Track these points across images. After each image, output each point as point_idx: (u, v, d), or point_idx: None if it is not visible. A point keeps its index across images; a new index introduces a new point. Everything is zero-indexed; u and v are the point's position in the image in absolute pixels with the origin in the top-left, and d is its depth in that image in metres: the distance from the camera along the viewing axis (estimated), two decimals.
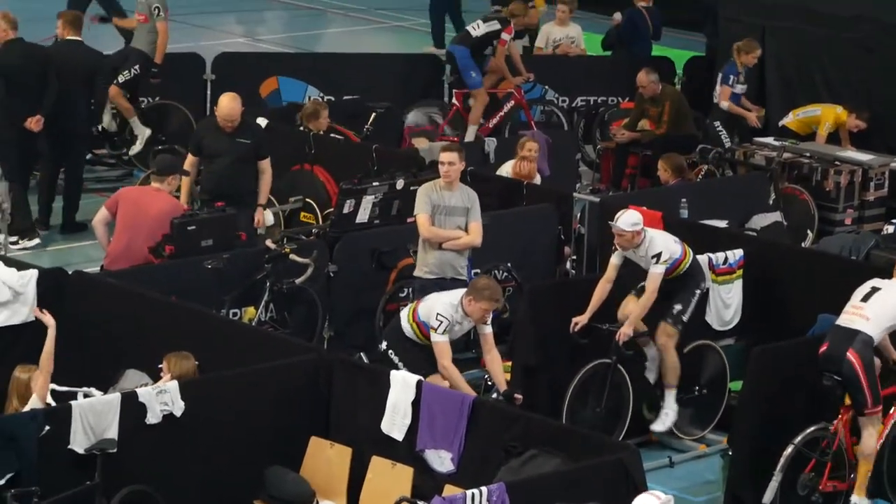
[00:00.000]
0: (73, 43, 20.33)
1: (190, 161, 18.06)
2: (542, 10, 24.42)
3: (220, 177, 17.81)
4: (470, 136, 22.19)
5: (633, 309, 15.61)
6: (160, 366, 13.63)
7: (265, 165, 17.90)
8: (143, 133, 21.08)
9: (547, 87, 22.32)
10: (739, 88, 20.72)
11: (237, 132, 18.05)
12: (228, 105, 18.05)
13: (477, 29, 23.02)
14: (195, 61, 22.79)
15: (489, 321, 14.58)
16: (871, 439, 14.19)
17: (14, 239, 19.06)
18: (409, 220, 16.76)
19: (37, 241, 19.31)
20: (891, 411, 14.36)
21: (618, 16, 24.74)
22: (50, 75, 20.22)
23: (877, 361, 14.10)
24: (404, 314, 14.91)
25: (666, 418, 15.81)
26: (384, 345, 15.00)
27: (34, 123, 19.73)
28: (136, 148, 20.92)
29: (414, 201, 16.53)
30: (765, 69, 21.52)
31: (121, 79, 21.42)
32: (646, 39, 23.85)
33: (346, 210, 17.94)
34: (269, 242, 17.01)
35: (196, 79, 22.25)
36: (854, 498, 14.33)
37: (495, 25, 22.91)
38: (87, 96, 20.20)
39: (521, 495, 12.00)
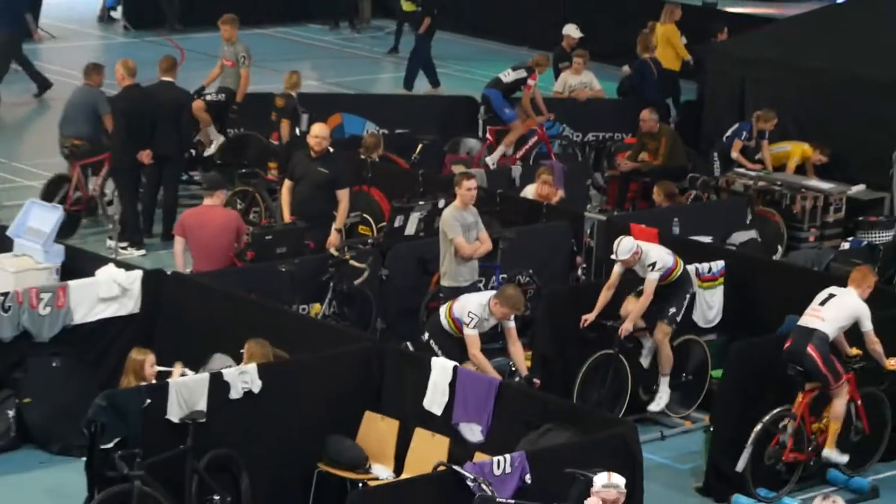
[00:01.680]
0: (167, 84, 20.42)
1: (286, 184, 18.19)
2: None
3: (301, 198, 17.87)
4: (496, 155, 22.24)
5: (632, 308, 15.61)
6: (241, 351, 13.72)
7: (342, 195, 17.87)
8: (217, 139, 21.19)
9: (564, 125, 22.31)
10: (747, 142, 20.76)
11: (320, 161, 18.00)
12: (320, 128, 18.28)
13: (507, 76, 23.00)
14: (273, 100, 22.79)
15: (512, 318, 14.73)
16: (839, 406, 14.34)
17: (124, 244, 19.22)
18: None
19: (143, 251, 19.46)
20: (845, 392, 14.45)
21: (626, 68, 24.71)
22: (156, 118, 20.19)
23: None
24: (442, 311, 14.99)
25: (660, 400, 15.85)
26: (426, 336, 15.07)
27: (146, 157, 19.80)
28: (210, 150, 20.93)
29: (443, 214, 16.68)
30: (744, 111, 21.49)
31: (207, 97, 21.51)
32: (654, 86, 23.80)
33: (396, 224, 18.09)
34: (332, 250, 17.09)
35: (267, 114, 22.15)
36: (825, 451, 14.44)
37: (522, 73, 22.91)
38: (177, 127, 20.19)
39: (539, 462, 12.14)
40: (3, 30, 25.11)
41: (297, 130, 20.88)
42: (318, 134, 18.10)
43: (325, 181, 17.89)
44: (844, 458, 14.42)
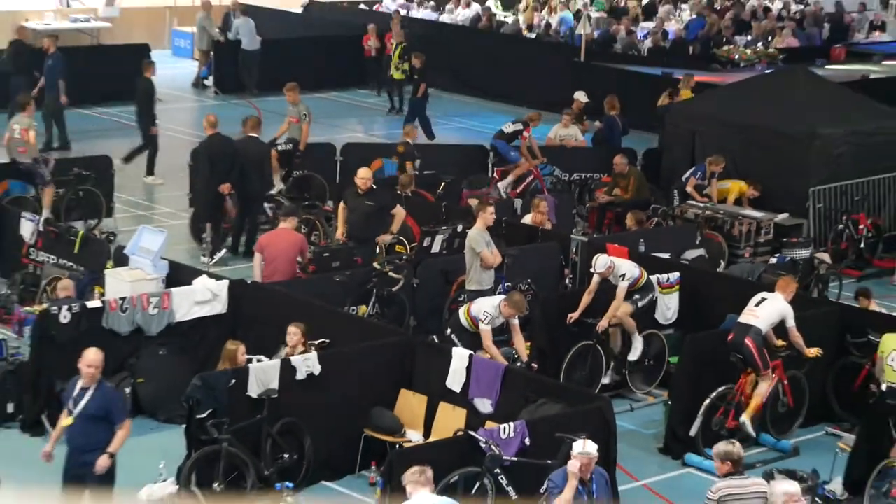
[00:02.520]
0: (253, 138, 20.36)
1: (340, 209, 18.34)
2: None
3: (352, 225, 18.04)
4: (504, 184, 22.22)
5: (610, 308, 15.76)
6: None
7: (397, 210, 18.13)
8: (278, 184, 21.18)
9: (554, 166, 22.26)
10: (700, 180, 20.71)
11: (366, 196, 18.05)
12: (364, 171, 18.38)
13: (508, 128, 22.96)
14: (329, 148, 22.78)
15: (517, 317, 14.72)
16: (764, 387, 14.37)
17: (215, 259, 19.22)
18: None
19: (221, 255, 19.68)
20: (773, 373, 14.43)
21: (598, 123, 24.67)
22: (235, 159, 20.19)
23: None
24: (461, 312, 15.01)
25: (636, 351, 15.91)
26: (448, 331, 15.08)
27: (226, 189, 19.79)
28: (273, 190, 20.87)
29: (468, 236, 16.65)
30: (694, 157, 21.46)
31: (278, 147, 21.45)
32: (619, 137, 23.84)
33: (425, 245, 18.11)
34: (375, 264, 17.08)
35: (330, 159, 22.18)
36: (742, 417, 14.40)
37: (520, 126, 22.88)
38: (259, 172, 20.12)
39: (535, 428, 12.35)
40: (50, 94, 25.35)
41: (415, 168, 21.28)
42: (364, 176, 18.19)
43: (371, 211, 17.93)
44: (751, 427, 14.38)
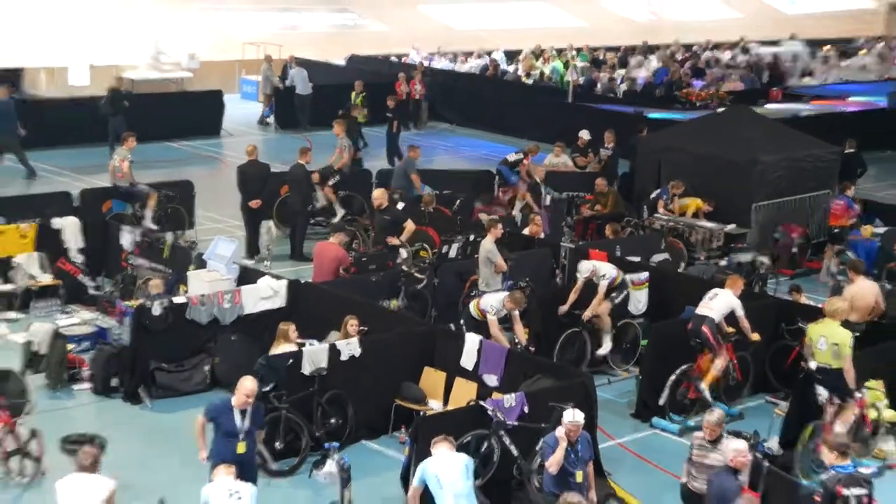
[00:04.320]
0: (300, 165, 20.34)
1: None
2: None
3: (375, 235, 18.60)
4: (516, 206, 22.21)
5: (592, 302, 15.78)
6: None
7: (408, 223, 18.19)
8: (340, 212, 21.05)
9: (549, 187, 22.20)
10: (665, 200, 20.73)
11: (383, 211, 18.41)
12: (378, 192, 18.95)
13: (511, 157, 22.89)
14: (367, 173, 22.75)
15: (517, 310, 14.72)
16: (720, 364, 14.39)
17: (268, 263, 19.18)
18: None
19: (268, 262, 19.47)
20: (725, 353, 14.43)
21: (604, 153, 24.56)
22: (266, 180, 20.24)
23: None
24: (472, 305, 15.04)
25: (606, 347, 15.90)
26: (462, 321, 15.13)
27: (254, 204, 19.79)
28: (336, 218, 20.81)
29: (479, 247, 16.67)
30: (660, 180, 21.45)
31: (331, 181, 21.28)
32: (617, 163, 24.12)
33: (444, 251, 18.07)
34: (404, 267, 17.13)
35: (367, 182, 21.95)
36: (702, 385, 14.40)
37: (520, 156, 22.84)
38: (301, 193, 20.18)
39: (532, 399, 12.32)
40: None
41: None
42: (377, 196, 18.82)
43: (386, 224, 18.24)
44: (709, 395, 14.36)
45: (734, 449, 10.35)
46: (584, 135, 24.53)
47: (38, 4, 37.44)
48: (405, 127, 30.46)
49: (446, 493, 9.78)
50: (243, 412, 10.50)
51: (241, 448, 10.39)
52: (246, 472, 10.22)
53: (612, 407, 14.48)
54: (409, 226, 18.36)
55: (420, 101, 32.26)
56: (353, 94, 28.66)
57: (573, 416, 10.70)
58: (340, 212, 20.98)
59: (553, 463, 10.57)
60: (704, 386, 14.41)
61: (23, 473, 12.16)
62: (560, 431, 10.64)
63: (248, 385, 10.64)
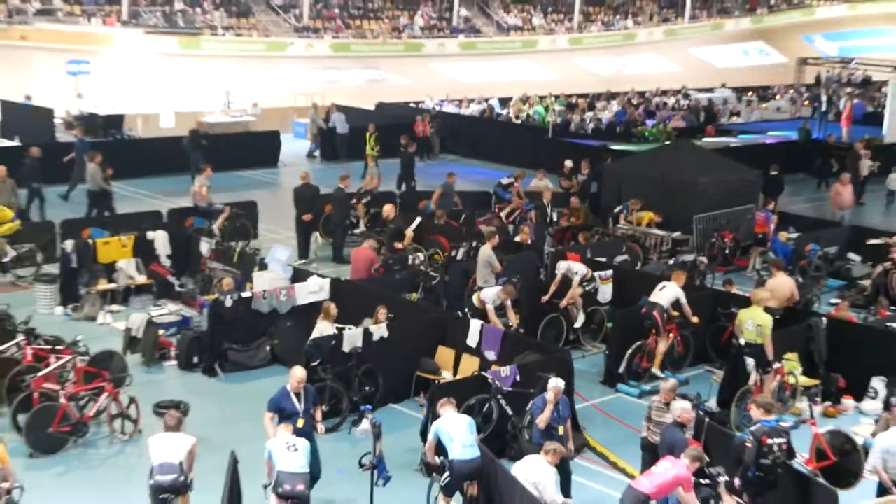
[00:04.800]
0: (340, 188, 20.23)
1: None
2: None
3: (386, 241, 18.78)
4: (506, 211, 22.00)
5: (568, 293, 15.70)
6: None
7: (408, 232, 18.53)
8: (362, 223, 20.96)
9: (534, 203, 22.10)
10: (625, 214, 20.73)
11: (391, 222, 18.96)
12: (388, 208, 19.55)
13: (504, 180, 22.87)
14: (392, 194, 22.63)
15: (510, 300, 14.64)
16: (664, 344, 14.34)
17: (303, 262, 19.09)
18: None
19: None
20: (671, 333, 14.36)
21: (580, 177, 24.18)
22: (315, 197, 20.05)
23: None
24: (474, 297, 14.93)
25: (580, 321, 15.85)
26: (467, 310, 15.00)
27: (306, 218, 19.68)
28: (360, 227, 20.82)
29: (479, 252, 16.60)
30: (622, 198, 21.38)
31: (363, 200, 21.17)
32: (590, 186, 23.63)
33: (452, 254, 17.95)
34: (421, 267, 17.09)
35: (393, 201, 21.61)
36: (654, 370, 14.35)
37: (511, 179, 22.80)
38: (341, 210, 20.01)
39: (523, 370, 12.29)
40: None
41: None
42: (387, 211, 19.61)
43: (392, 232, 18.74)
44: (661, 373, 14.31)
45: (680, 408, 10.38)
46: (568, 163, 24.37)
47: (136, 65, 37.70)
48: (420, 158, 30.47)
49: (455, 444, 9.76)
50: (298, 395, 10.31)
51: (300, 423, 10.16)
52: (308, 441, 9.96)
53: (585, 375, 14.41)
54: (409, 234, 18.37)
55: (431, 137, 32.19)
56: (367, 133, 27.91)
57: (556, 382, 10.68)
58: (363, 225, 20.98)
59: (542, 420, 10.54)
60: (657, 368, 14.40)
61: (124, 432, 12.17)
62: (550, 395, 10.61)
63: (298, 373, 10.44)
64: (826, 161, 29.66)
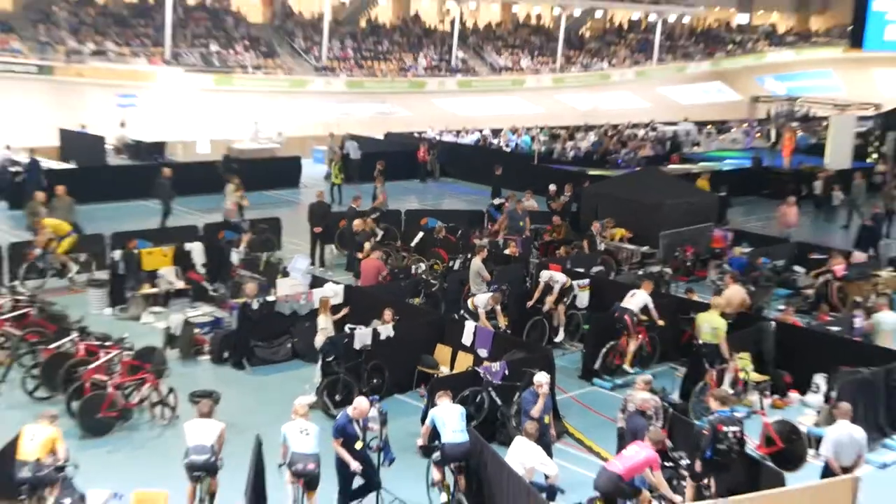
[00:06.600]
0: (352, 207, 20.31)
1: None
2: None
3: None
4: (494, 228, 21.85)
5: (549, 299, 15.66)
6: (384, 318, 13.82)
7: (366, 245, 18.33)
8: (378, 235, 20.96)
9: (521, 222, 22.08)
10: (601, 230, 20.70)
11: (357, 235, 18.78)
12: (358, 221, 19.18)
13: (496, 202, 23.00)
14: (397, 212, 22.51)
15: (499, 305, 14.63)
16: (634, 344, 14.27)
17: (330, 273, 19.06)
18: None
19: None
20: (640, 335, 14.32)
21: (563, 198, 24.01)
22: (327, 214, 20.12)
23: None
24: (469, 301, 14.86)
25: (561, 335, 15.76)
26: (462, 312, 14.88)
27: (317, 230, 19.75)
28: (375, 239, 20.65)
29: (471, 264, 16.59)
30: (598, 215, 21.35)
31: (372, 215, 20.81)
32: (572, 206, 23.62)
33: (450, 265, 18.01)
34: (423, 276, 17.06)
35: (398, 217, 21.82)
36: (625, 366, 14.29)
37: (502, 200, 22.86)
38: (350, 225, 19.88)
39: (511, 366, 12.17)
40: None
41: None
42: (357, 225, 19.08)
43: (359, 243, 18.58)
44: (631, 370, 14.29)
45: (641, 398, 10.47)
46: (552, 187, 24.39)
47: (176, 99, 37.74)
48: (422, 180, 30.50)
49: (447, 430, 9.75)
50: (358, 422, 9.70)
51: (358, 445, 9.60)
52: (367, 460, 9.66)
53: (564, 371, 14.34)
54: (366, 247, 18.07)
55: (432, 162, 32.19)
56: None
57: (542, 376, 10.65)
58: (379, 234, 20.95)
59: (536, 410, 10.46)
60: (628, 365, 14.34)
61: (163, 417, 12.16)
62: (545, 389, 10.57)
63: (363, 405, 9.67)
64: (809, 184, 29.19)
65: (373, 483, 9.72)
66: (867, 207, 23.72)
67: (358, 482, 9.74)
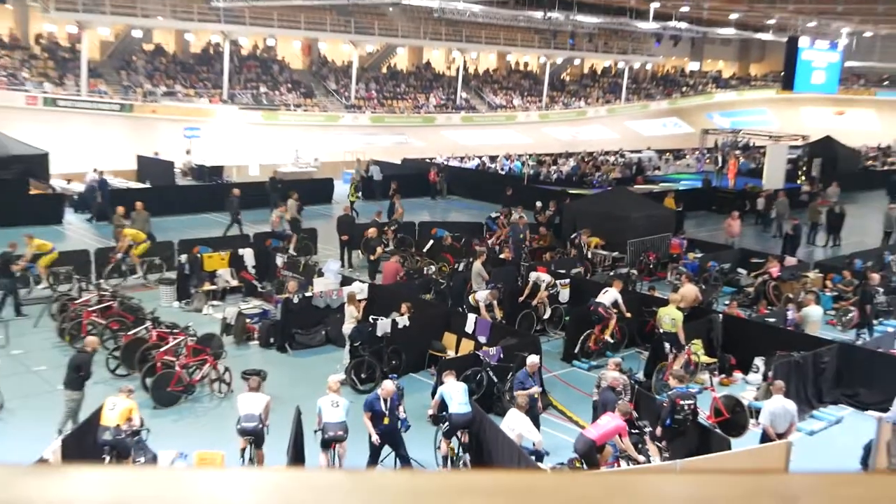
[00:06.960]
0: (374, 220, 19.90)
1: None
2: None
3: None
4: (493, 239, 21.62)
5: (540, 295, 15.56)
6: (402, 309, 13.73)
7: (378, 248, 18.22)
8: (390, 242, 20.74)
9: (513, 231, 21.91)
10: (578, 240, 20.25)
11: (372, 240, 18.41)
12: (372, 230, 18.76)
13: (493, 215, 22.88)
14: (412, 224, 22.48)
15: (496, 300, 14.55)
16: (607, 331, 14.12)
17: (357, 274, 18.80)
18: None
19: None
20: (612, 322, 14.22)
21: (548, 212, 23.46)
22: (352, 224, 19.86)
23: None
24: (470, 298, 14.85)
25: (547, 314, 15.64)
26: (465, 307, 14.87)
27: (344, 238, 19.39)
28: (390, 247, 20.49)
29: (472, 266, 16.46)
30: (576, 227, 21.17)
31: (392, 227, 20.83)
32: (556, 219, 23.39)
33: (456, 267, 17.81)
34: (433, 276, 16.98)
35: (412, 228, 21.70)
36: (608, 353, 14.18)
37: (498, 214, 22.78)
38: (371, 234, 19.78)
39: (506, 350, 12.11)
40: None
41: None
42: (370, 233, 18.69)
43: (373, 247, 18.24)
44: (611, 340, 14.16)
45: (611, 376, 10.45)
46: (539, 203, 24.24)
47: (232, 131, 37.84)
48: (431, 198, 30.46)
49: (453, 402, 9.71)
50: (385, 400, 9.45)
51: (386, 420, 9.44)
52: (394, 434, 9.47)
53: (549, 354, 14.24)
54: (379, 250, 17.94)
55: (440, 183, 32.12)
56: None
57: (533, 359, 10.60)
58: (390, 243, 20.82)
59: (527, 393, 10.38)
60: (608, 337, 14.19)
61: (220, 391, 12.13)
62: (532, 369, 10.48)
63: (388, 386, 9.51)
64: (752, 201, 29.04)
65: (399, 456, 9.66)
66: (789, 221, 23.81)
67: (387, 453, 9.49)
